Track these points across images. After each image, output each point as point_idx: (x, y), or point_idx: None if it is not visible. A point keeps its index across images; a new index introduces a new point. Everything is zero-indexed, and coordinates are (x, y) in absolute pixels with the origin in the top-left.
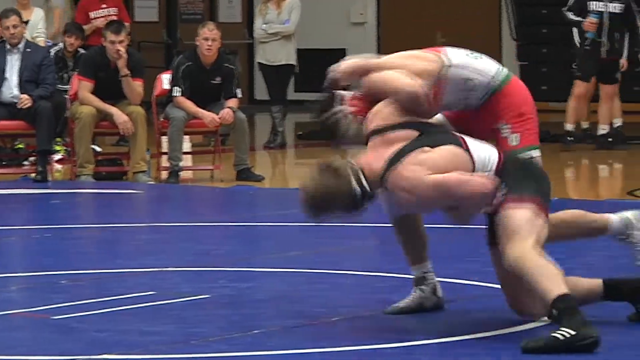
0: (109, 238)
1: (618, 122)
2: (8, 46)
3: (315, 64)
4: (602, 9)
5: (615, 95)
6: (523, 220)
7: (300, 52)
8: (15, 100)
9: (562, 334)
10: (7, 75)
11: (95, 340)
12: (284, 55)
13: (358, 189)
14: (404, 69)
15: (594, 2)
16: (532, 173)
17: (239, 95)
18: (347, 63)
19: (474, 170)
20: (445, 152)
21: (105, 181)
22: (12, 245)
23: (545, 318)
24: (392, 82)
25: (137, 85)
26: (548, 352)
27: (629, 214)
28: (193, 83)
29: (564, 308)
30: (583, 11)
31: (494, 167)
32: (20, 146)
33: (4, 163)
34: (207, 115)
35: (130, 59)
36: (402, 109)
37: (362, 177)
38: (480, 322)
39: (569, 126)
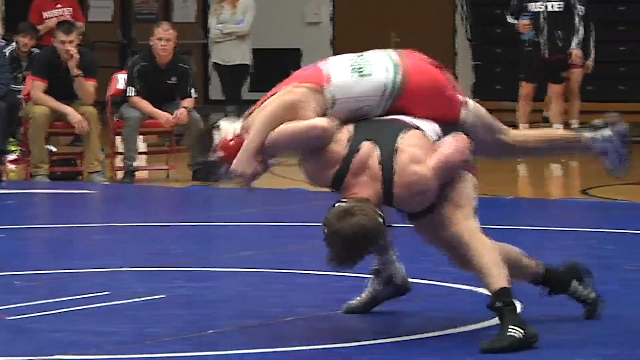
0: (64, 238)
1: (574, 123)
2: None
3: (270, 63)
4: (539, 9)
5: (574, 94)
6: (469, 194)
7: (255, 52)
8: None
9: (516, 332)
10: None
11: (50, 340)
12: (238, 55)
13: (380, 218)
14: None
15: (531, 4)
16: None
17: (194, 95)
18: (242, 157)
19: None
20: (414, 137)
21: (60, 181)
22: None
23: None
24: (294, 132)
25: (90, 85)
26: (510, 351)
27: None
28: (148, 83)
29: (508, 303)
30: (522, 13)
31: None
32: None
33: None
34: (163, 115)
35: (82, 59)
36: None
37: (373, 206)
38: (434, 322)
39: (522, 126)
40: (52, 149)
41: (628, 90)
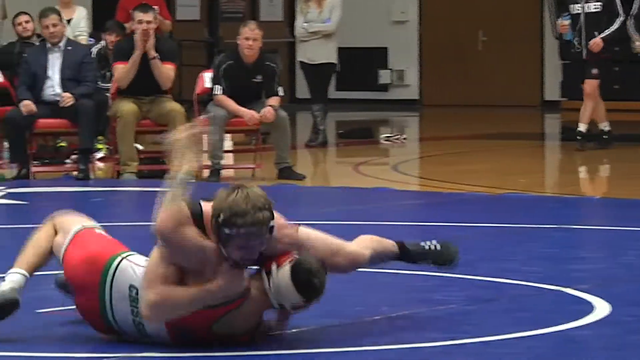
0: (148, 236)
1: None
2: (49, 45)
3: (356, 62)
4: (579, 11)
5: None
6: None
7: (341, 51)
8: (58, 99)
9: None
10: (49, 73)
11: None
12: (324, 54)
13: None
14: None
15: (572, 5)
16: None
17: (281, 93)
18: None
19: None
20: None
21: (147, 179)
22: None
23: None
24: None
25: (168, 69)
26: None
27: None
28: (234, 82)
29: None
30: (563, 14)
31: None
32: (62, 144)
33: (46, 161)
34: (247, 113)
35: (160, 43)
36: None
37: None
38: (519, 322)
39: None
40: (139, 147)
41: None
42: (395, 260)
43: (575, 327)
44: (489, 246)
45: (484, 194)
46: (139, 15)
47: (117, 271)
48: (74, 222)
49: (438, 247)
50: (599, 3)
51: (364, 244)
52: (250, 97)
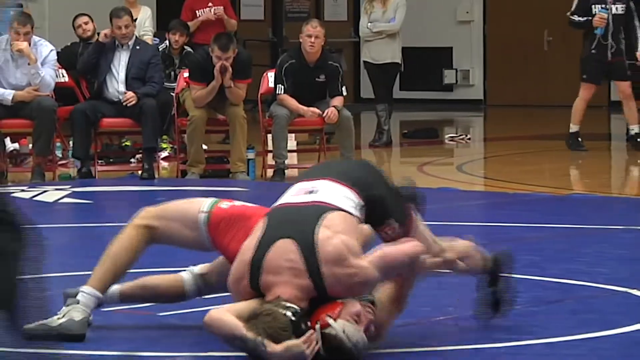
0: None
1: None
2: (117, 43)
3: (421, 62)
4: (604, 12)
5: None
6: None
7: (406, 51)
8: (121, 97)
9: None
10: (114, 71)
11: (199, 337)
12: (389, 53)
13: (291, 313)
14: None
15: (596, 5)
16: None
17: (345, 93)
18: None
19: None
20: (335, 222)
21: (211, 179)
22: None
23: None
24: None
25: (240, 89)
26: None
27: None
28: (297, 80)
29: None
30: (587, 14)
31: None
32: (127, 144)
33: (111, 160)
34: (307, 110)
35: (237, 59)
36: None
37: (284, 304)
38: (586, 323)
39: (575, 127)
40: (204, 146)
41: None
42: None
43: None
44: (556, 247)
45: (549, 194)
46: (217, 52)
47: None
48: (185, 209)
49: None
50: (623, 5)
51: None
52: (313, 97)
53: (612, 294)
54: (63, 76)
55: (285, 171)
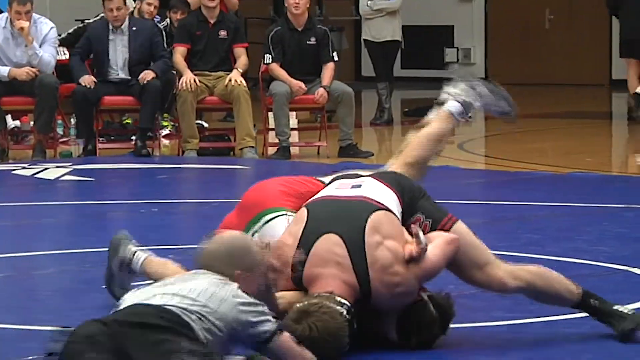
0: (214, 213)
1: None
2: (111, 27)
3: (422, 40)
4: None
5: None
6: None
7: (407, 29)
8: (122, 78)
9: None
10: (112, 57)
11: None
12: (389, 31)
13: (345, 310)
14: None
15: None
16: None
17: (336, 58)
18: None
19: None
20: (383, 223)
21: (213, 157)
22: (119, 220)
23: None
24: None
25: (241, 54)
26: None
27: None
28: (287, 47)
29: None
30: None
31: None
32: (128, 121)
33: (112, 138)
34: (295, 84)
35: (230, 27)
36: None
37: (335, 299)
38: None
39: None
40: (205, 124)
41: None
42: (570, 307)
43: None
44: (558, 226)
45: (550, 173)
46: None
47: (267, 224)
48: None
49: (628, 313)
50: None
51: (518, 274)
52: (305, 64)
53: (612, 273)
54: (64, 54)
55: (289, 149)
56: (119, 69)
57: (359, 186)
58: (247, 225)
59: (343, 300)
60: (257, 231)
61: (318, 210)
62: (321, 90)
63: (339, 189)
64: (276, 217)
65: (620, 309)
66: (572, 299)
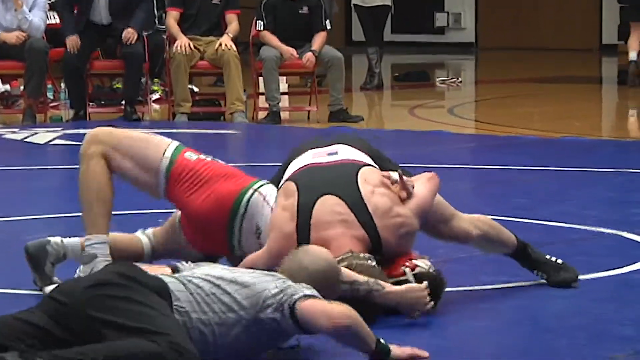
0: None
1: None
2: None
3: (412, 5)
4: None
5: None
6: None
7: None
8: (105, 24)
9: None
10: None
11: None
12: None
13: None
14: None
15: None
16: None
17: (329, 27)
18: None
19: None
20: (371, 176)
21: (203, 121)
22: None
23: None
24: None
25: (232, 20)
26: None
27: None
28: (279, 15)
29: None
30: None
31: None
32: (118, 86)
33: (102, 102)
34: (286, 51)
35: None
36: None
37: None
38: (576, 265)
39: None
40: (195, 89)
41: None
42: (506, 255)
43: (632, 271)
44: (547, 190)
45: (540, 137)
46: None
47: (248, 208)
48: (142, 148)
49: (560, 263)
50: None
51: (476, 224)
52: (297, 32)
53: (601, 237)
54: (54, 18)
55: (280, 113)
56: (101, 10)
57: (335, 153)
58: (228, 227)
59: (366, 255)
60: (240, 226)
61: (306, 179)
62: (309, 54)
63: (316, 157)
64: (265, 184)
65: (554, 259)
66: (513, 248)
